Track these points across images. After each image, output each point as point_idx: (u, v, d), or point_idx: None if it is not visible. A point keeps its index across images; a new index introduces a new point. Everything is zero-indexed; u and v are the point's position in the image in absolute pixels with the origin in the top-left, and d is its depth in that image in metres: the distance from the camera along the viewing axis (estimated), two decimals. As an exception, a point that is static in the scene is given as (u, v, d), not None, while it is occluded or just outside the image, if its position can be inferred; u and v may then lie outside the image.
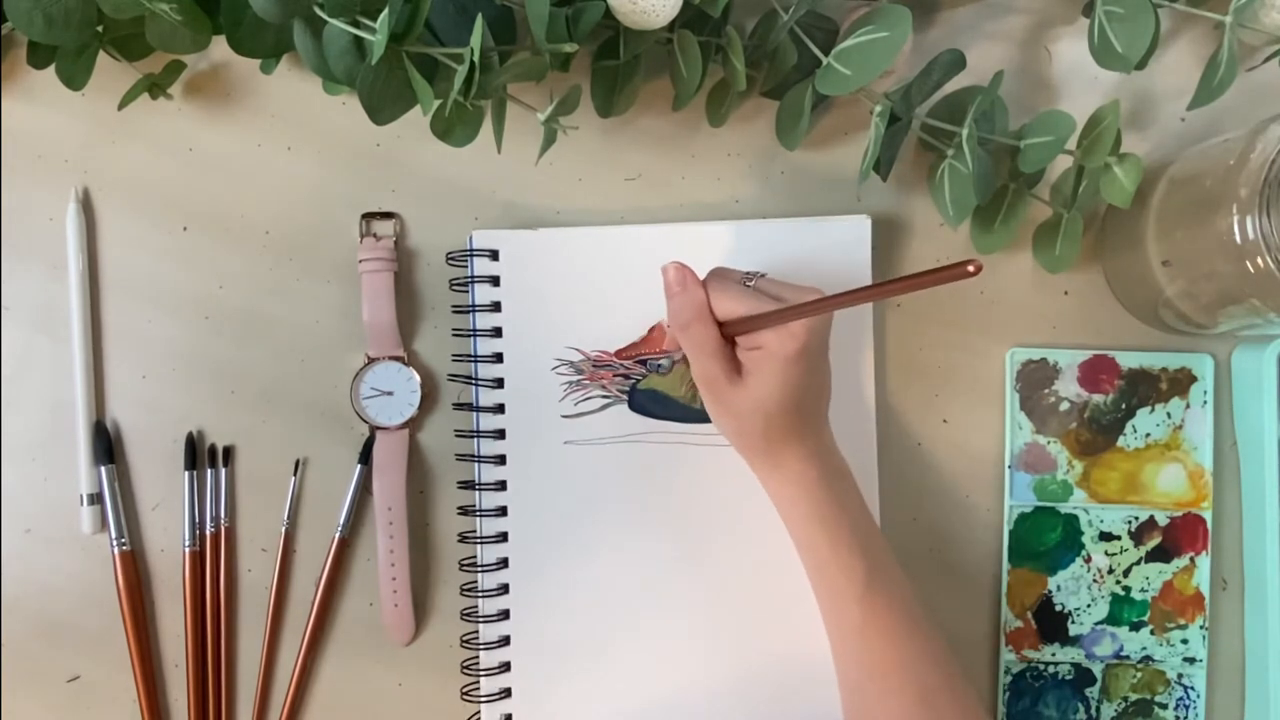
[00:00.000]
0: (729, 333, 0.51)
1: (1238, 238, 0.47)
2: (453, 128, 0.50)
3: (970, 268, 0.38)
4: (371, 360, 0.59)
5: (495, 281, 0.58)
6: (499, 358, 0.58)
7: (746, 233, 0.58)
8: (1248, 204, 0.47)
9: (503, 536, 0.58)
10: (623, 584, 0.58)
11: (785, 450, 0.51)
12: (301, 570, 0.59)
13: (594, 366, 0.58)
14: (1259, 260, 0.47)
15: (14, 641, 0.59)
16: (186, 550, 0.58)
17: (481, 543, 0.58)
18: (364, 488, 0.59)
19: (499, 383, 0.58)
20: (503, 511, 0.58)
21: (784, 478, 0.52)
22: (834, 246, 0.58)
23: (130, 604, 0.58)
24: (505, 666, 0.58)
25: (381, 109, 0.49)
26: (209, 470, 0.59)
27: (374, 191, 0.60)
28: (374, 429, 0.58)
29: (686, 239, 0.58)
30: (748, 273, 0.52)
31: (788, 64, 0.54)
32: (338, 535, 0.58)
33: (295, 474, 0.59)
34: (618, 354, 0.58)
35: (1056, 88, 0.60)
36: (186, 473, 0.59)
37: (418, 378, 0.58)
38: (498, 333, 0.58)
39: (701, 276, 0.53)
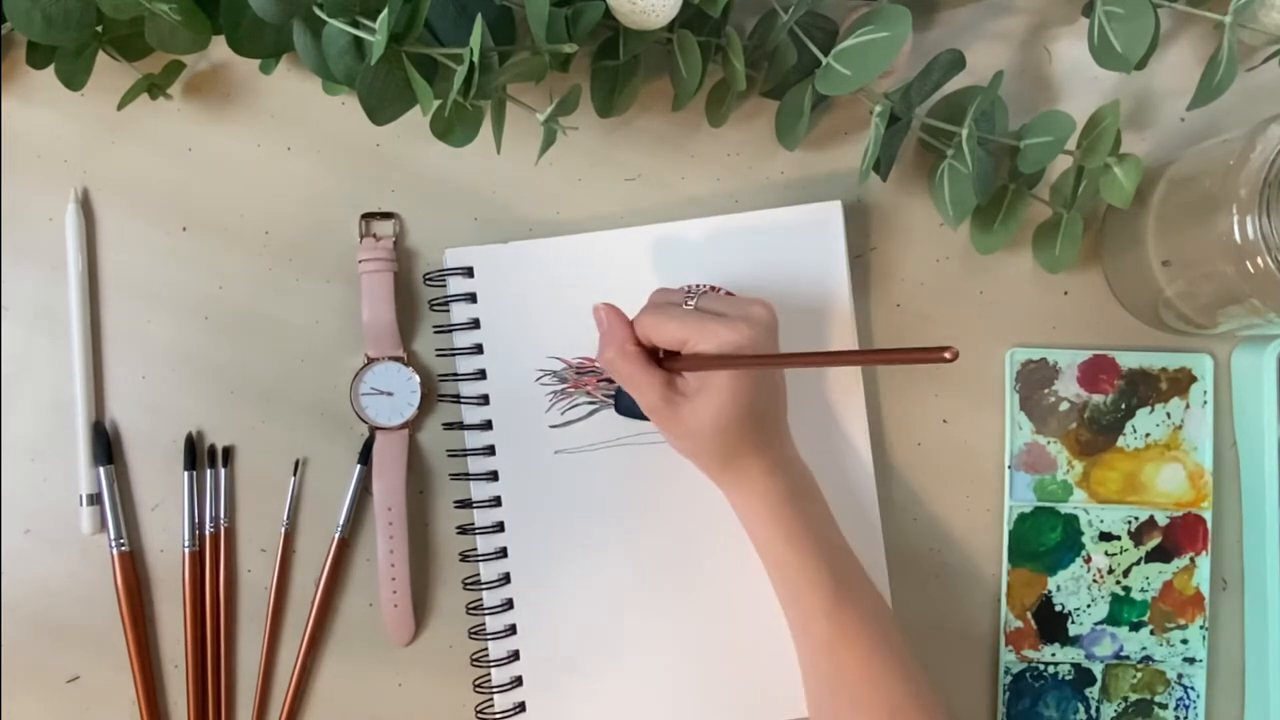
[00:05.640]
0: (675, 369, 0.51)
1: (1238, 238, 0.47)
2: (452, 128, 0.50)
3: (947, 354, 0.36)
4: (371, 360, 0.59)
5: (473, 298, 0.58)
6: (482, 374, 0.58)
7: (719, 229, 0.58)
8: (1248, 204, 0.47)
9: (502, 552, 0.58)
10: (625, 584, 0.58)
11: (746, 464, 0.51)
12: (301, 570, 0.59)
13: (577, 374, 0.58)
14: (1259, 260, 0.47)
15: (14, 641, 0.59)
16: (186, 551, 0.58)
17: (482, 560, 0.58)
18: (364, 488, 0.59)
19: (485, 399, 0.58)
20: (500, 527, 0.58)
21: (748, 492, 0.51)
22: (808, 234, 0.58)
23: (130, 604, 0.58)
24: (516, 682, 0.58)
25: (381, 109, 0.49)
26: (208, 470, 0.59)
27: (374, 191, 0.59)
28: (374, 429, 0.58)
29: (659, 240, 0.58)
30: (688, 290, 0.52)
31: (788, 64, 0.54)
32: (337, 535, 0.58)
33: (295, 474, 0.59)
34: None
35: (1056, 88, 0.60)
36: (186, 473, 0.59)
37: (417, 378, 0.58)
38: (479, 349, 0.58)
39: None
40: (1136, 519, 0.60)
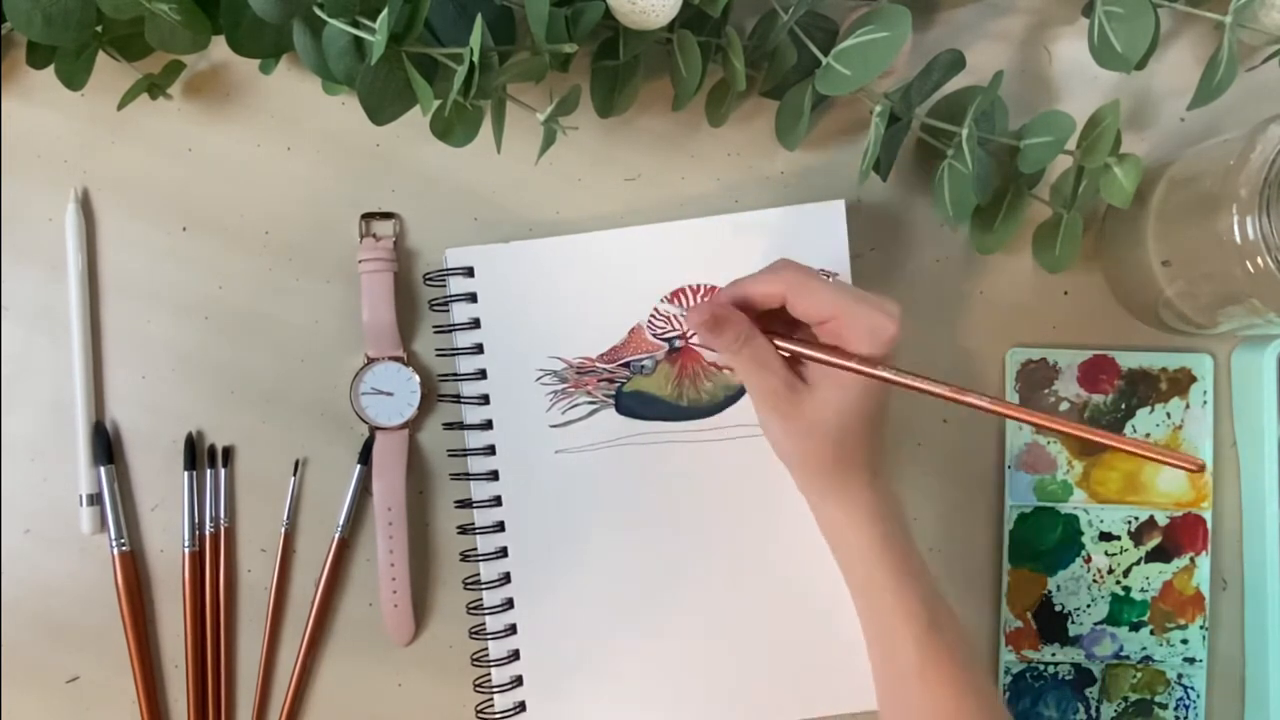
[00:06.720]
0: (796, 353, 0.48)
1: (1238, 238, 0.47)
2: (452, 128, 0.50)
3: (1193, 466, 0.38)
4: (371, 360, 0.59)
5: (473, 298, 0.58)
6: (483, 374, 0.58)
7: (719, 228, 0.58)
8: (1248, 204, 0.47)
9: (502, 552, 0.58)
10: (625, 585, 0.58)
11: (854, 475, 0.48)
12: (301, 570, 0.59)
13: (578, 374, 0.58)
14: (1259, 260, 0.47)
15: (14, 641, 0.59)
16: (186, 551, 0.58)
17: (482, 560, 0.58)
18: (364, 488, 0.59)
19: (485, 399, 0.58)
20: (500, 527, 0.58)
21: (851, 507, 0.48)
22: (809, 234, 0.58)
23: (130, 604, 0.58)
24: (516, 681, 0.58)
25: (381, 109, 0.49)
26: (208, 470, 0.59)
27: (374, 191, 0.59)
28: (373, 429, 0.58)
29: (659, 240, 0.58)
30: (822, 270, 0.50)
31: (788, 64, 0.54)
32: (337, 535, 0.58)
33: (295, 474, 0.59)
34: (600, 359, 0.58)
35: (1056, 88, 0.60)
36: (186, 473, 0.59)
37: (417, 378, 0.58)
38: (479, 349, 0.58)
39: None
40: (1136, 519, 0.60)
